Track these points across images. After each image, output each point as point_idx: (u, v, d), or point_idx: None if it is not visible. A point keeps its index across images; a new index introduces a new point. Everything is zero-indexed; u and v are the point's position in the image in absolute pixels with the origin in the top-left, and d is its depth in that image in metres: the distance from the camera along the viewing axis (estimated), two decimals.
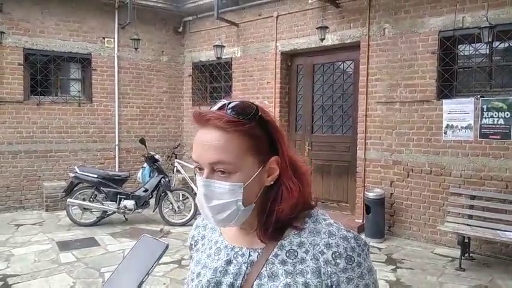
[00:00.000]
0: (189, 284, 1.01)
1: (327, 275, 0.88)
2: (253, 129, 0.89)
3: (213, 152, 0.87)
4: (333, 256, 0.89)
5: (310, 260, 0.90)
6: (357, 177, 6.27)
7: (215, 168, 0.88)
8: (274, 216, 0.92)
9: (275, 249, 0.92)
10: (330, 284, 0.88)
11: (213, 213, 0.91)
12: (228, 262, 0.95)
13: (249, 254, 0.94)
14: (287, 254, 0.91)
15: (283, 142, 0.94)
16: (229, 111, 0.88)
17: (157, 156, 6.74)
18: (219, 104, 0.91)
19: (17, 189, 7.24)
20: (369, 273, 0.91)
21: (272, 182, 0.93)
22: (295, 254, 0.91)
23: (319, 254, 0.90)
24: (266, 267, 0.91)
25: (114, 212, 6.38)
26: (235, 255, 0.96)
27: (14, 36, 7.04)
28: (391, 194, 5.87)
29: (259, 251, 0.94)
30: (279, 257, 0.91)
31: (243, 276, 0.92)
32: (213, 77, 8.57)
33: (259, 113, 0.91)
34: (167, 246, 0.95)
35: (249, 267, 0.93)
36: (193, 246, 1.09)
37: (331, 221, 0.96)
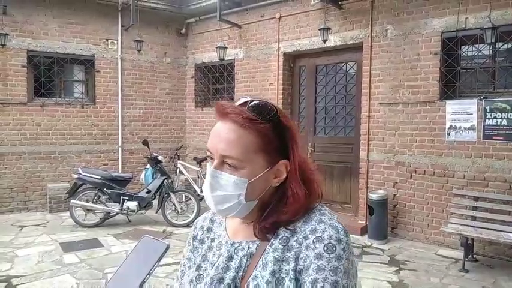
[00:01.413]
0: (186, 273, 1.04)
1: (302, 260, 0.88)
2: (268, 131, 0.92)
3: (225, 145, 0.90)
4: (314, 240, 0.88)
5: (296, 248, 0.90)
6: (359, 179, 6.26)
7: (225, 161, 0.91)
8: (274, 216, 0.94)
9: (271, 239, 0.94)
10: (300, 269, 0.87)
11: (216, 202, 0.95)
12: (229, 258, 0.97)
13: (248, 247, 0.96)
14: (279, 241, 0.93)
15: (296, 149, 0.96)
16: (250, 108, 0.92)
17: (160, 158, 6.75)
18: (242, 100, 0.95)
19: (20, 190, 7.26)
20: (344, 273, 0.85)
21: (278, 184, 0.96)
22: (287, 241, 0.92)
23: (303, 239, 0.90)
24: (262, 258, 0.93)
25: (117, 213, 6.40)
26: (235, 251, 0.97)
27: (18, 38, 7.08)
28: (394, 195, 5.85)
29: (258, 243, 0.96)
30: (273, 246, 0.93)
31: (244, 269, 0.94)
32: (216, 79, 8.58)
33: (279, 116, 0.93)
34: (168, 247, 0.96)
35: (248, 260, 0.95)
36: (198, 236, 1.09)
37: (326, 211, 0.96)
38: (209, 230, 1.09)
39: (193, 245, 1.09)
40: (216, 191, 0.93)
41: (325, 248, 0.86)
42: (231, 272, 0.94)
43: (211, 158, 0.94)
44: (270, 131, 0.92)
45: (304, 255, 0.88)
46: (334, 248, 0.86)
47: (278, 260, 0.90)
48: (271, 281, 0.88)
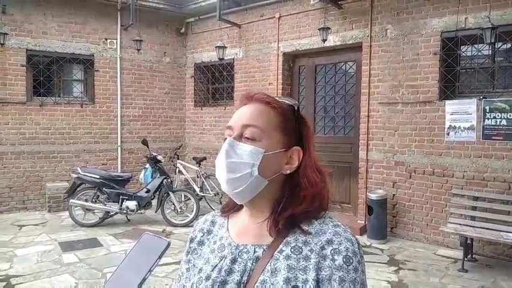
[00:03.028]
0: (185, 275, 1.03)
1: (321, 269, 0.89)
2: (289, 113, 1.00)
3: (247, 118, 0.97)
4: (332, 252, 0.90)
5: (314, 258, 0.90)
6: (359, 178, 6.26)
7: (244, 134, 0.96)
8: (290, 210, 0.95)
9: (280, 246, 0.94)
10: (321, 278, 0.88)
11: (228, 169, 0.96)
12: (233, 261, 0.96)
13: (254, 251, 0.95)
14: (292, 250, 0.93)
15: (311, 141, 1.03)
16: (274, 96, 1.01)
17: (159, 157, 6.75)
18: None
19: (19, 190, 7.26)
20: (361, 284, 0.89)
21: (289, 172, 0.98)
22: (300, 250, 0.92)
23: (320, 249, 0.91)
24: (271, 263, 0.92)
25: (116, 213, 6.39)
26: (240, 254, 0.96)
27: (17, 38, 7.07)
28: (394, 195, 5.86)
29: (265, 248, 0.95)
30: (283, 253, 0.92)
31: (249, 273, 0.93)
32: (215, 78, 8.58)
33: (298, 109, 1.02)
34: (169, 244, 0.96)
35: (254, 264, 0.94)
36: (197, 238, 1.08)
37: (338, 223, 0.98)
38: (209, 232, 1.08)
39: (191, 247, 1.07)
40: (231, 158, 0.95)
41: (344, 260, 0.89)
42: (235, 275, 0.93)
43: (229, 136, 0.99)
44: (291, 114, 1.00)
45: (323, 265, 0.89)
46: (351, 260, 0.89)
47: (292, 268, 0.90)
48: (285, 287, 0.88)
